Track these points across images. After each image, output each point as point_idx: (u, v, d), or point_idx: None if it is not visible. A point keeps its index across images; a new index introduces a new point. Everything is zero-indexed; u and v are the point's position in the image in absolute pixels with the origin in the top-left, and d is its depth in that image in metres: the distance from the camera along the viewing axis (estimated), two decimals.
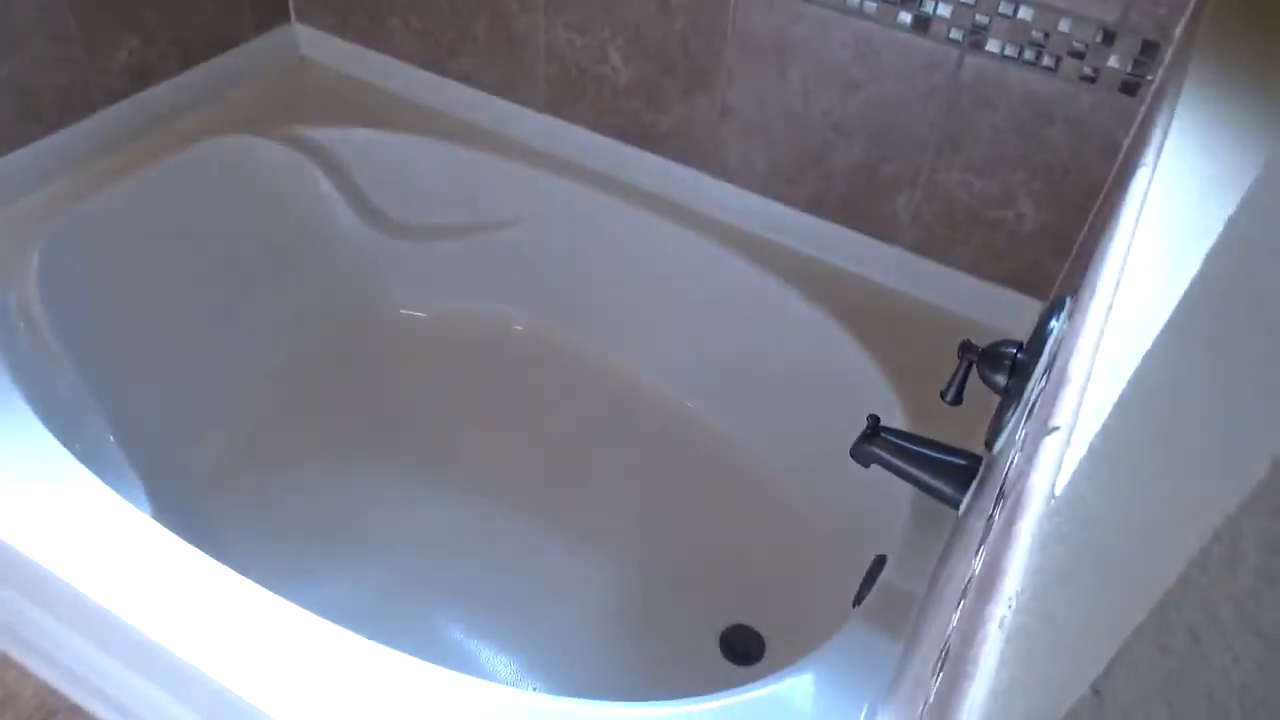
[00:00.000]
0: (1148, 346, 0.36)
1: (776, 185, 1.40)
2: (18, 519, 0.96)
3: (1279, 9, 0.90)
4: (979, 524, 0.71)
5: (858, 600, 1.09)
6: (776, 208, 1.41)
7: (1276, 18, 0.90)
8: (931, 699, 0.53)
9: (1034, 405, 0.68)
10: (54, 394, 1.16)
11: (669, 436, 1.53)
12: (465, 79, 1.57)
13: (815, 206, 1.39)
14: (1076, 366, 0.52)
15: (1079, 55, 1.11)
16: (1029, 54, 1.14)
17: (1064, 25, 1.11)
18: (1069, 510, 0.39)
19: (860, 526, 1.27)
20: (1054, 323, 0.82)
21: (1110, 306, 0.55)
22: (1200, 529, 0.24)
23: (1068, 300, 0.82)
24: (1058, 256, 1.26)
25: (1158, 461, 0.33)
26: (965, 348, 1.01)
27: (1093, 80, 1.12)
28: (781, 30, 1.26)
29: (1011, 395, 0.90)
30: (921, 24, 1.18)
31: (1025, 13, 1.12)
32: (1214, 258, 0.35)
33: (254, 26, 1.60)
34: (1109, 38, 1.09)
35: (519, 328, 1.64)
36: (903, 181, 1.30)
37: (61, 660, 1.12)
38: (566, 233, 1.54)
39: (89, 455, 1.06)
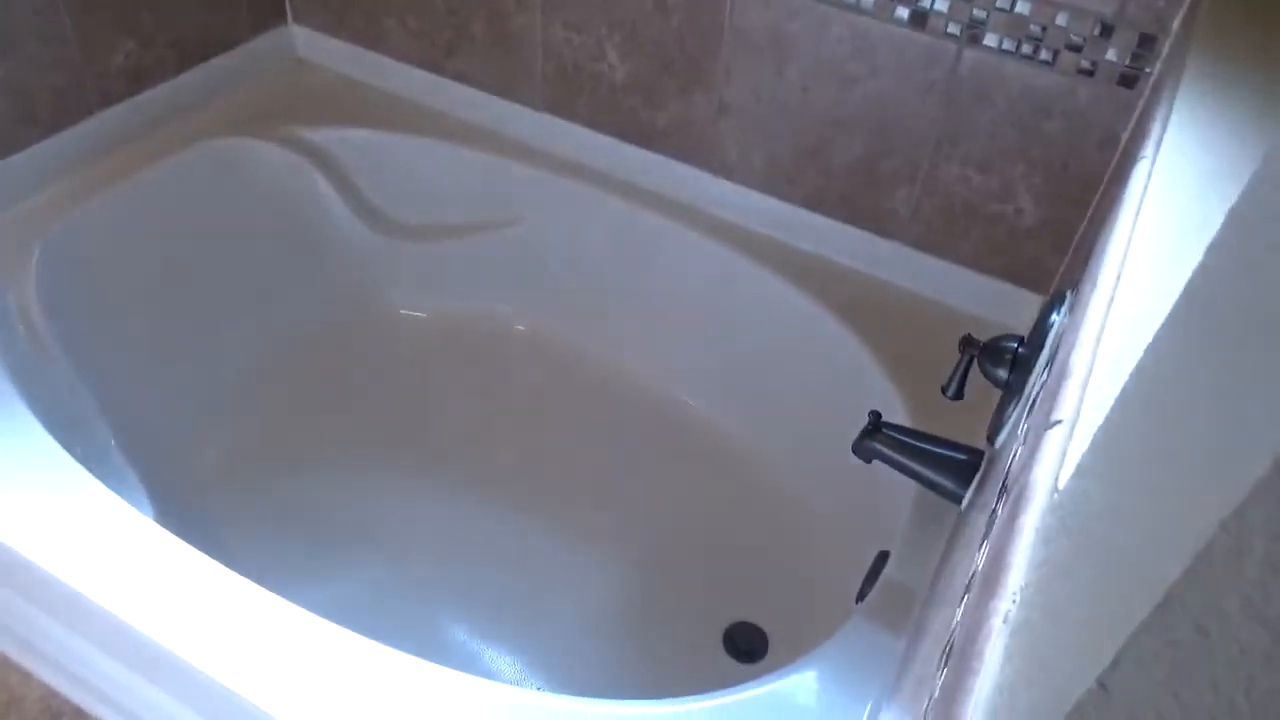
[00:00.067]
0: (1150, 339, 0.36)
1: (776, 182, 1.40)
2: (20, 523, 0.96)
3: (1276, 1, 0.90)
4: (982, 519, 0.71)
5: (860, 596, 1.09)
6: (776, 204, 1.41)
7: (1273, 9, 0.90)
8: (936, 694, 0.53)
9: (1036, 399, 0.68)
10: (54, 397, 1.16)
11: (670, 434, 1.52)
12: (462, 78, 1.57)
13: (815, 202, 1.39)
14: (1078, 360, 0.52)
15: (1077, 49, 1.11)
16: (1026, 48, 1.14)
17: (1061, 19, 1.11)
18: (1073, 504, 0.39)
19: (862, 522, 1.27)
20: (1055, 316, 0.82)
21: (1111, 300, 0.55)
22: (1205, 521, 0.24)
23: (1068, 294, 0.82)
24: (1057, 250, 1.26)
25: (1162, 453, 0.33)
26: (966, 342, 1.01)
27: (1091, 74, 1.12)
28: (778, 26, 1.26)
29: (1013, 389, 0.90)
30: (919, 19, 1.18)
31: (1022, 6, 1.12)
32: (1215, 250, 0.35)
33: (250, 28, 1.60)
34: (1107, 31, 1.09)
35: (520, 327, 1.64)
36: (902, 177, 1.30)
37: (66, 664, 1.12)
38: (566, 231, 1.54)
39: (90, 458, 1.06)
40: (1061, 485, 0.42)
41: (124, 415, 1.27)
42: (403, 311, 1.64)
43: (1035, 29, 1.12)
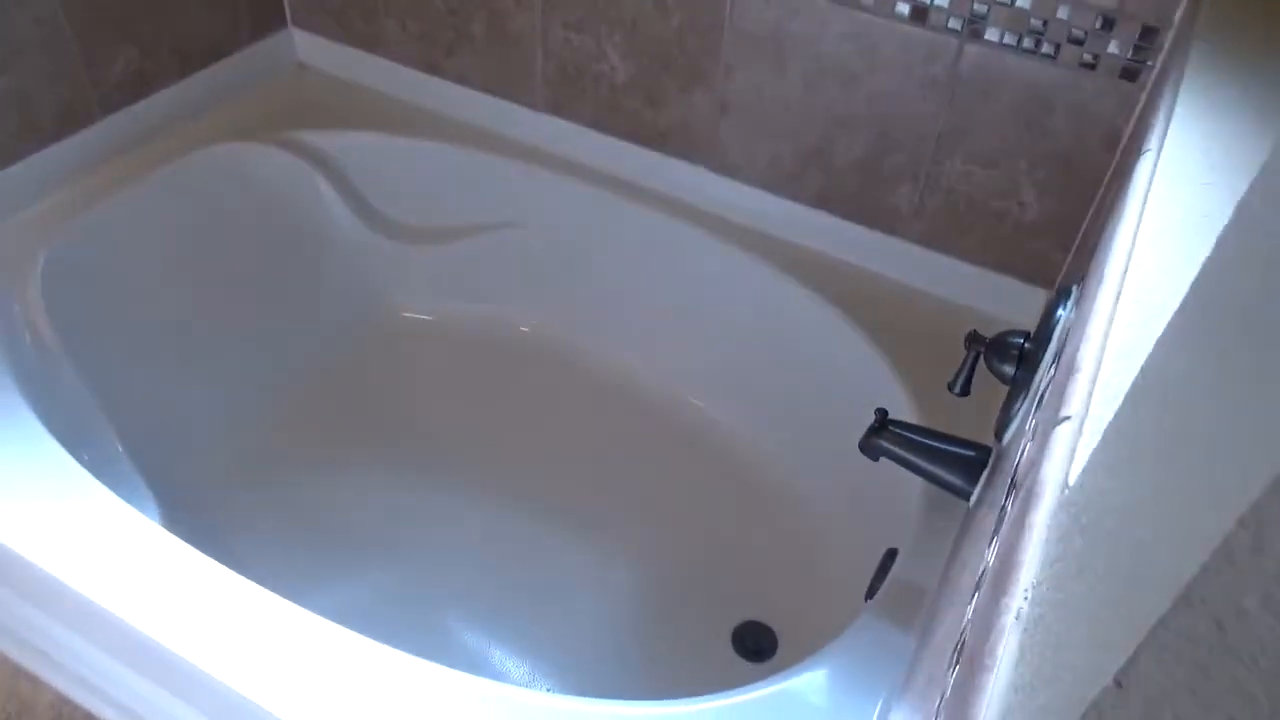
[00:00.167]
0: (1159, 332, 0.36)
1: (779, 180, 1.40)
2: (28, 530, 0.96)
3: None
4: (991, 515, 0.70)
5: (870, 594, 1.09)
6: (779, 202, 1.41)
7: (1276, 1, 0.90)
8: (948, 693, 0.53)
9: (1043, 395, 0.67)
10: (61, 405, 1.16)
11: (677, 433, 1.52)
12: (463, 80, 1.57)
13: (818, 200, 1.38)
14: (1086, 355, 0.52)
15: (1078, 42, 1.11)
16: (1028, 42, 1.13)
17: (1062, 12, 1.10)
18: (1085, 500, 0.39)
19: (870, 520, 1.27)
20: (1061, 311, 0.82)
21: (1119, 293, 0.55)
22: (1223, 515, 0.24)
23: (1074, 288, 0.82)
24: (1062, 245, 1.25)
25: (1175, 448, 0.33)
26: (972, 338, 1.00)
27: (1093, 67, 1.12)
28: (779, 24, 1.26)
29: (1020, 385, 0.90)
30: (919, 14, 1.17)
31: (1023, 0, 1.11)
32: (1224, 242, 0.35)
33: (250, 33, 1.60)
34: (1108, 24, 1.09)
35: (524, 329, 1.64)
36: (905, 173, 1.30)
37: (75, 670, 1.12)
38: (570, 232, 1.54)
39: (97, 465, 1.06)
40: (1072, 481, 0.42)
41: (130, 421, 1.27)
42: (406, 314, 1.64)
43: (1036, 22, 1.12)
